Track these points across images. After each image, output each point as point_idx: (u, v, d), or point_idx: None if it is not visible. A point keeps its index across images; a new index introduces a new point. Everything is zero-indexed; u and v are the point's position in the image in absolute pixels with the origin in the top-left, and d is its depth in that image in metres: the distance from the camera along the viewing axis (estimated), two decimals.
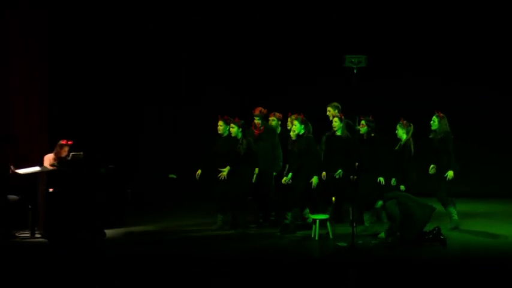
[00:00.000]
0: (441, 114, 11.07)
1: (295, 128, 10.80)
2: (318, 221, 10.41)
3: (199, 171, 11.21)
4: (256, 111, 11.49)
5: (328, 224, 10.53)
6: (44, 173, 10.72)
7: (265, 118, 11.59)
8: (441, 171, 10.98)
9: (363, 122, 10.86)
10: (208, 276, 8.67)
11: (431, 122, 11.11)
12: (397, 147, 10.89)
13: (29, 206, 10.72)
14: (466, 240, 10.40)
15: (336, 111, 11.40)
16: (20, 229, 10.78)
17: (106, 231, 10.74)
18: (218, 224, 11.15)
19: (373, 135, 10.87)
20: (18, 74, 12.93)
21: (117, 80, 14.34)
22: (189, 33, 14.78)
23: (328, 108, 11.50)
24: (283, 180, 10.88)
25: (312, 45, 14.73)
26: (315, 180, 10.76)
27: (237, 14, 14.75)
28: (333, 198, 10.98)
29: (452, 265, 9.10)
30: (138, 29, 14.44)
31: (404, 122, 10.85)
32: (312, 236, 10.45)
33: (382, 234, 10.33)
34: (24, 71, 12.97)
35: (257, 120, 11.49)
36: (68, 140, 11.09)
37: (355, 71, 9.86)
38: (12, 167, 10.86)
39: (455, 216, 10.93)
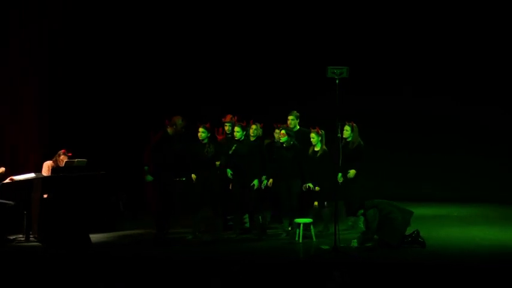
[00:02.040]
0: (353, 124, 11.32)
1: (237, 134, 11.06)
2: (301, 224, 10.64)
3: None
4: (227, 118, 11.62)
5: (311, 227, 10.76)
6: (38, 179, 10.87)
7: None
8: (355, 176, 11.24)
9: (283, 131, 11.03)
10: (197, 278, 8.82)
11: (344, 131, 11.31)
12: (310, 151, 11.12)
13: (24, 212, 10.89)
14: (443, 243, 10.58)
15: (298, 121, 11.57)
16: (15, 233, 10.95)
17: (97, 235, 11.00)
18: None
19: (292, 143, 11.05)
20: (19, 78, 12.73)
21: (115, 83, 14.28)
22: (188, 51, 14.99)
23: (291, 117, 11.53)
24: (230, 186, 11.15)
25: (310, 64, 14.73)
26: (255, 183, 10.98)
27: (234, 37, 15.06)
28: (315, 203, 11.17)
29: (431, 266, 9.28)
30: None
31: (318, 129, 11.05)
32: (296, 239, 10.68)
33: (355, 243, 10.32)
34: (25, 76, 12.75)
35: (227, 127, 11.54)
36: (67, 151, 11.22)
37: (337, 82, 10.05)
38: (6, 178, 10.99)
39: (361, 224, 10.84)
